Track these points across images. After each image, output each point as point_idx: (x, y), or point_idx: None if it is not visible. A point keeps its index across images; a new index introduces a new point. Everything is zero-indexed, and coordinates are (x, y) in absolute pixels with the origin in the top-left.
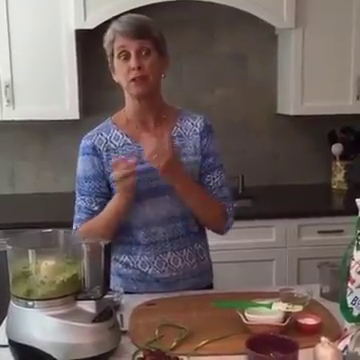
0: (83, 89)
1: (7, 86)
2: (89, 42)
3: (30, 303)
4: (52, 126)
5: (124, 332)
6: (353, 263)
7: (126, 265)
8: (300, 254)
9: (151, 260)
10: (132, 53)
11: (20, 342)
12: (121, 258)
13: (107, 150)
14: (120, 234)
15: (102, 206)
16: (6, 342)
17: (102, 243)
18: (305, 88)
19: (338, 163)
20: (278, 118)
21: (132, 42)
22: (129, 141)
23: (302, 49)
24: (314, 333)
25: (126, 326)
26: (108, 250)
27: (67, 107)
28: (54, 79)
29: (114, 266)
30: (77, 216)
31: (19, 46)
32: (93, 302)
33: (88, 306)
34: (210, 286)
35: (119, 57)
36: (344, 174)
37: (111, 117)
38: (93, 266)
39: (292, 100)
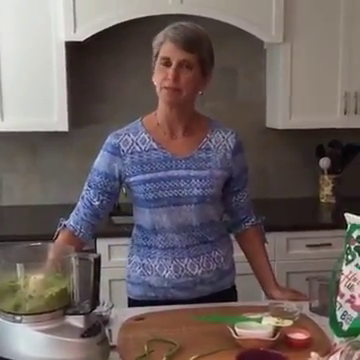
0: (72, 101)
1: None
2: (79, 54)
3: (18, 318)
4: (41, 138)
5: (113, 347)
6: (342, 277)
7: (147, 269)
8: (288, 268)
9: (168, 264)
10: (173, 63)
11: (7, 358)
12: (143, 261)
13: (131, 152)
14: (139, 237)
15: (102, 203)
16: None
17: (92, 257)
18: (293, 102)
19: (326, 177)
20: (267, 132)
21: (177, 52)
22: (155, 146)
23: (290, 63)
24: (304, 348)
25: (115, 341)
26: (97, 264)
27: (56, 119)
28: (43, 91)
29: (133, 275)
30: (78, 203)
31: (8, 57)
32: (82, 317)
33: (77, 321)
34: (233, 288)
35: (161, 61)
36: (332, 188)
37: (142, 118)
38: (82, 280)
39: (280, 114)
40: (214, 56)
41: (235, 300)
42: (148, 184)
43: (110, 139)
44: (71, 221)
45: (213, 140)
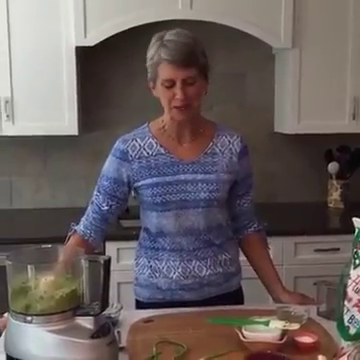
0: (82, 105)
1: (7, 102)
2: (89, 59)
3: (29, 318)
4: (51, 142)
5: (122, 349)
6: (350, 281)
7: (154, 271)
8: (296, 272)
9: (176, 266)
10: (178, 83)
11: (18, 358)
12: (150, 263)
13: (139, 157)
14: (147, 240)
15: (111, 208)
16: (4, 358)
17: (101, 259)
18: (302, 107)
19: (334, 182)
20: (275, 136)
21: (179, 72)
22: (162, 151)
23: (299, 69)
24: (311, 351)
25: (124, 342)
26: (107, 266)
27: (66, 123)
28: (54, 95)
29: (141, 277)
30: (88, 208)
31: (19, 62)
32: (91, 318)
33: (86, 322)
34: (239, 290)
35: (164, 84)
36: (340, 193)
37: (149, 123)
38: (92, 281)
39: (289, 119)
40: (207, 55)
41: (241, 301)
42: (156, 188)
43: (118, 145)
44: (81, 226)
45: (219, 144)
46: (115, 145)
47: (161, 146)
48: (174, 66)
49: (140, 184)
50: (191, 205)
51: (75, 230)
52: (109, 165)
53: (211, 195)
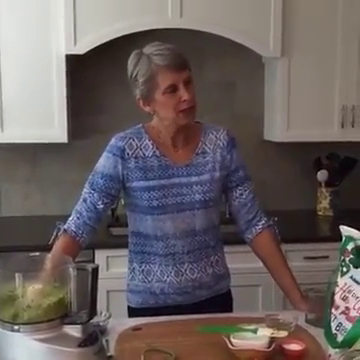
0: (72, 113)
1: None
2: (79, 66)
3: (16, 327)
4: (41, 149)
5: (110, 357)
6: (337, 289)
7: (147, 275)
8: None
9: (169, 270)
10: (180, 85)
11: None
12: (142, 267)
13: (135, 157)
14: (138, 244)
15: (106, 206)
16: None
17: (89, 267)
18: (291, 115)
19: (323, 189)
20: (265, 144)
21: (179, 74)
22: (158, 153)
23: (288, 77)
24: (299, 359)
25: (112, 351)
26: (95, 274)
27: (56, 130)
28: (43, 103)
29: (133, 283)
30: (78, 207)
31: (9, 70)
32: (79, 326)
33: (74, 330)
34: (228, 292)
35: (167, 91)
36: (329, 200)
37: (143, 125)
38: (80, 290)
39: (278, 127)
40: None
41: (230, 305)
42: (152, 192)
43: (115, 142)
44: (72, 226)
45: (207, 142)
46: (111, 142)
47: (157, 148)
48: (174, 70)
49: (134, 185)
50: (187, 207)
51: (64, 229)
52: (105, 162)
53: (206, 196)
